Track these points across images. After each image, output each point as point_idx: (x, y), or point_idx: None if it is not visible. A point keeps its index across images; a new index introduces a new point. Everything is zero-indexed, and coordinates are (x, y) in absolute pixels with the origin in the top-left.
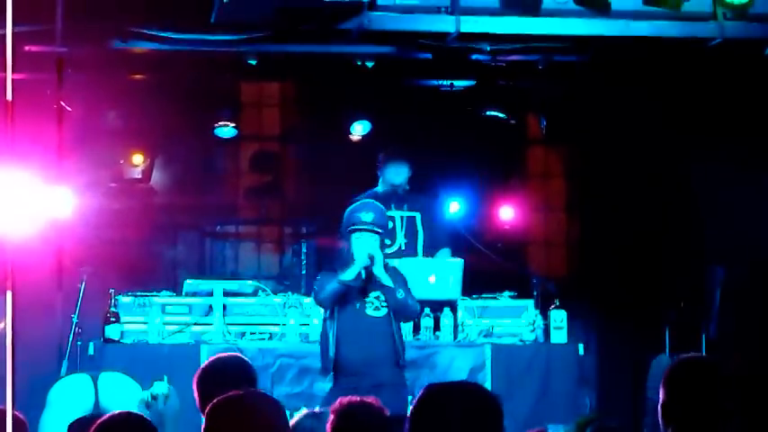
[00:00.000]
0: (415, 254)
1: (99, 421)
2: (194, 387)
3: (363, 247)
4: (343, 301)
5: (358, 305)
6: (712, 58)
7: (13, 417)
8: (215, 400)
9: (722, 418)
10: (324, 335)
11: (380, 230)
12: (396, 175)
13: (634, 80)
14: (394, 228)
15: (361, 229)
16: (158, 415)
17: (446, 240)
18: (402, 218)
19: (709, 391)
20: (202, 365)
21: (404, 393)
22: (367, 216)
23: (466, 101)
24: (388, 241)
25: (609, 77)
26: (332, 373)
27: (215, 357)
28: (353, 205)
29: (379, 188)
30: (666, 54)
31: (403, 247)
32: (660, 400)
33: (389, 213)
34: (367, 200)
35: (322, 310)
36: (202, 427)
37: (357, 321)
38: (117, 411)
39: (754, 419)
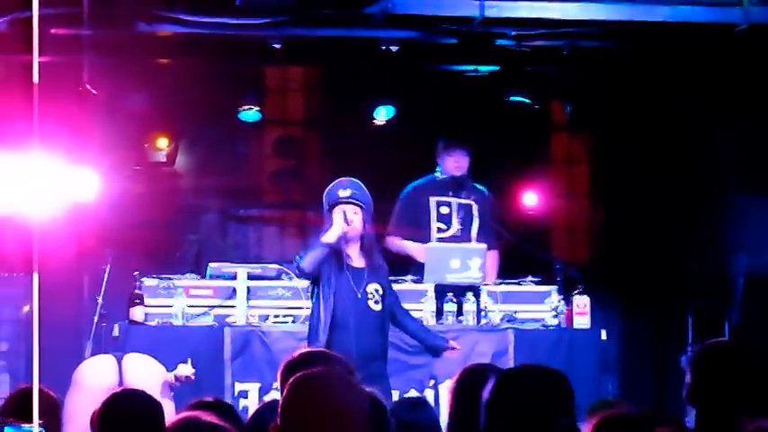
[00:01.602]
0: (468, 241)
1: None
2: (280, 376)
3: (340, 216)
4: (341, 288)
5: (359, 295)
6: (738, 44)
7: (48, 396)
8: (296, 375)
9: (748, 402)
10: (316, 319)
11: (360, 203)
12: (455, 168)
13: (659, 66)
14: (450, 213)
15: (338, 203)
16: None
17: (494, 240)
18: (459, 204)
19: (736, 375)
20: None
21: (388, 386)
22: (344, 192)
23: (490, 86)
24: (443, 226)
25: (634, 63)
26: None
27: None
28: (331, 185)
29: (438, 174)
30: (691, 40)
31: (458, 234)
32: (687, 382)
33: (446, 200)
34: (345, 177)
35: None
36: (280, 401)
37: (357, 312)
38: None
39: None
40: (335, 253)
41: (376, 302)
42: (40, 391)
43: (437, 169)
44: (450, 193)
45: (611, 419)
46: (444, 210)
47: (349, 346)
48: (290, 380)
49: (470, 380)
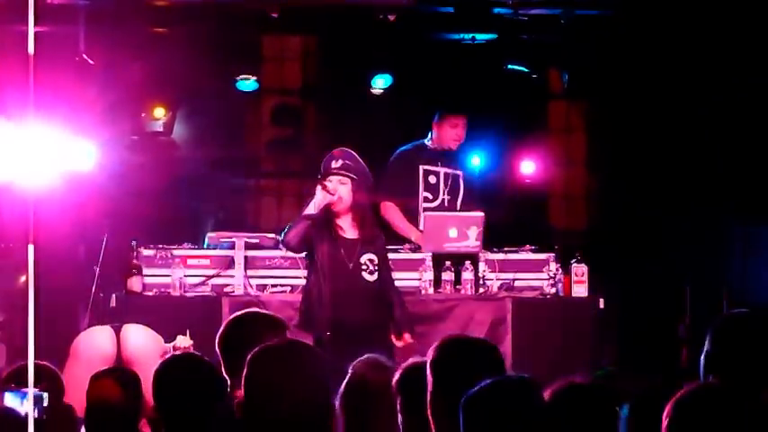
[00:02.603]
0: (455, 210)
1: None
2: (218, 348)
3: (320, 188)
4: (332, 260)
5: (351, 266)
6: (737, 9)
7: (47, 369)
8: (257, 349)
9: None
10: (311, 291)
11: (351, 175)
12: (453, 138)
13: (657, 33)
14: (437, 183)
15: (329, 174)
16: None
17: (480, 203)
18: (447, 174)
19: (757, 344)
20: (224, 324)
21: (392, 355)
22: (335, 163)
23: (488, 55)
24: (429, 196)
25: (631, 31)
26: (328, 334)
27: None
28: (326, 156)
29: (428, 141)
30: (690, 5)
31: (446, 204)
32: (705, 350)
33: (434, 169)
34: (340, 148)
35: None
36: (243, 376)
37: (350, 283)
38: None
39: None
40: (326, 224)
41: (370, 273)
42: (40, 365)
43: (428, 135)
44: (439, 163)
45: (567, 389)
46: (432, 179)
47: (351, 321)
48: (252, 353)
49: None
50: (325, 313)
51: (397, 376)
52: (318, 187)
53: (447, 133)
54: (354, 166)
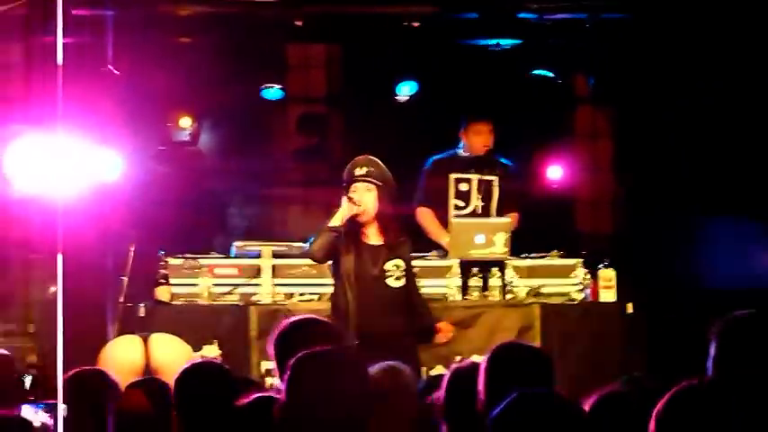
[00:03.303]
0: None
1: None
2: (273, 348)
3: (346, 199)
4: (358, 267)
5: (377, 273)
6: (761, 12)
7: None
8: (301, 354)
9: None
10: (338, 299)
11: (377, 182)
12: (480, 144)
13: (683, 37)
14: (469, 191)
15: (354, 181)
16: None
17: (517, 206)
18: (480, 181)
19: (762, 346)
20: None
21: (417, 362)
22: (360, 170)
23: (513, 60)
24: (461, 203)
25: (657, 35)
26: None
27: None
28: (349, 164)
29: (461, 149)
30: (715, 9)
31: (479, 211)
32: (711, 354)
33: (466, 176)
34: (363, 156)
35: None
36: (285, 378)
37: (376, 290)
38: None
39: None
40: (351, 232)
41: (396, 279)
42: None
43: (459, 145)
44: (472, 170)
45: (607, 397)
46: (464, 186)
47: (376, 329)
48: (296, 357)
49: (504, 356)
50: (352, 321)
51: (445, 382)
52: (344, 199)
53: (473, 141)
54: (378, 173)
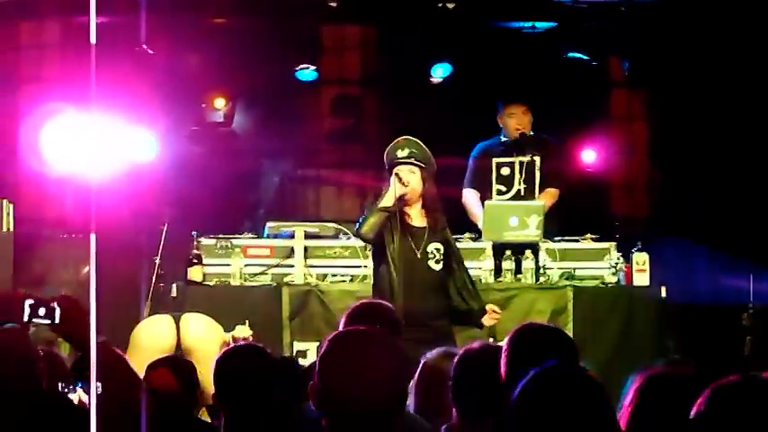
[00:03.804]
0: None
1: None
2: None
3: (396, 179)
4: (401, 249)
5: (419, 255)
6: None
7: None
8: (334, 333)
9: None
10: (382, 280)
11: (420, 163)
12: (516, 127)
13: (719, 20)
14: (512, 174)
15: (397, 164)
16: None
17: (558, 182)
18: (522, 163)
19: None
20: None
21: (454, 345)
22: (402, 152)
23: (548, 43)
24: (503, 188)
25: (692, 18)
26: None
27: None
28: (390, 145)
29: (502, 135)
30: None
31: (522, 193)
32: (748, 339)
33: (508, 160)
34: (404, 136)
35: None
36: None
37: (418, 271)
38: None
39: None
40: (395, 213)
41: (437, 262)
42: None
43: (501, 130)
44: (514, 153)
45: (656, 377)
46: (505, 171)
47: (419, 309)
48: (331, 336)
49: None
50: (396, 302)
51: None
52: (393, 178)
53: (508, 123)
54: (421, 154)
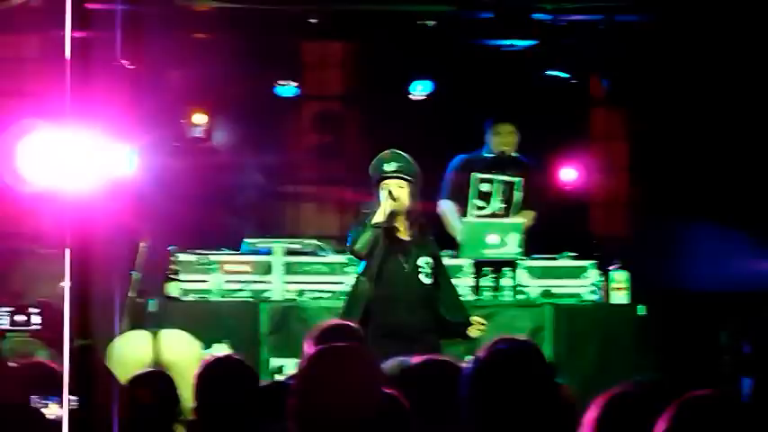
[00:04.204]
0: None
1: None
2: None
3: (385, 194)
4: (390, 262)
5: (408, 269)
6: None
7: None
8: (314, 350)
9: None
10: (361, 293)
11: (407, 177)
12: (503, 147)
13: (697, 39)
14: (491, 191)
15: (384, 178)
16: None
17: (536, 206)
18: (502, 182)
19: None
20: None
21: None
22: (389, 165)
23: (527, 61)
24: (482, 204)
25: (672, 37)
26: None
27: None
28: (376, 158)
29: (485, 152)
30: (730, 12)
31: (499, 213)
32: (744, 352)
33: (489, 177)
34: (393, 150)
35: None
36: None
37: (406, 285)
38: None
39: None
40: (386, 228)
41: (426, 276)
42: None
43: (486, 146)
44: (495, 171)
45: (615, 397)
46: (485, 187)
47: (400, 319)
48: (311, 353)
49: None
50: (384, 317)
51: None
52: (384, 193)
53: (494, 142)
54: (408, 168)
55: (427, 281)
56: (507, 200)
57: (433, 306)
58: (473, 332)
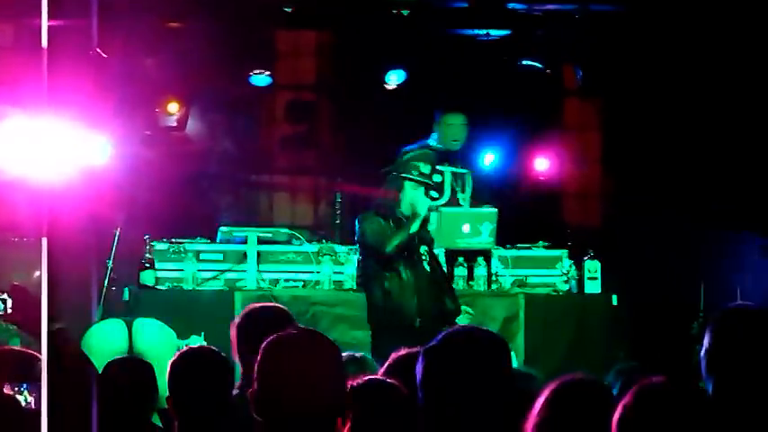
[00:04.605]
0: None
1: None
2: (233, 333)
3: (423, 199)
4: (408, 255)
5: (416, 257)
6: (751, 6)
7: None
8: (271, 337)
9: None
10: (391, 288)
11: (432, 184)
12: (453, 140)
13: (671, 30)
14: (443, 182)
15: (419, 182)
16: None
17: (489, 197)
18: (453, 174)
19: (757, 340)
20: (242, 313)
21: None
22: (426, 168)
23: (502, 50)
24: (435, 194)
25: (646, 27)
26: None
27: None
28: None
29: (432, 142)
30: (703, 2)
31: (451, 203)
32: (704, 348)
33: (441, 168)
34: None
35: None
36: (256, 364)
37: (420, 274)
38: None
39: None
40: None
41: (428, 264)
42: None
43: (432, 136)
44: (446, 163)
45: (566, 386)
46: (437, 178)
47: (430, 309)
48: (267, 342)
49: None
50: (408, 303)
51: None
52: (422, 201)
53: (444, 133)
54: (434, 174)
55: (428, 268)
56: (460, 189)
57: (431, 293)
58: (463, 321)
